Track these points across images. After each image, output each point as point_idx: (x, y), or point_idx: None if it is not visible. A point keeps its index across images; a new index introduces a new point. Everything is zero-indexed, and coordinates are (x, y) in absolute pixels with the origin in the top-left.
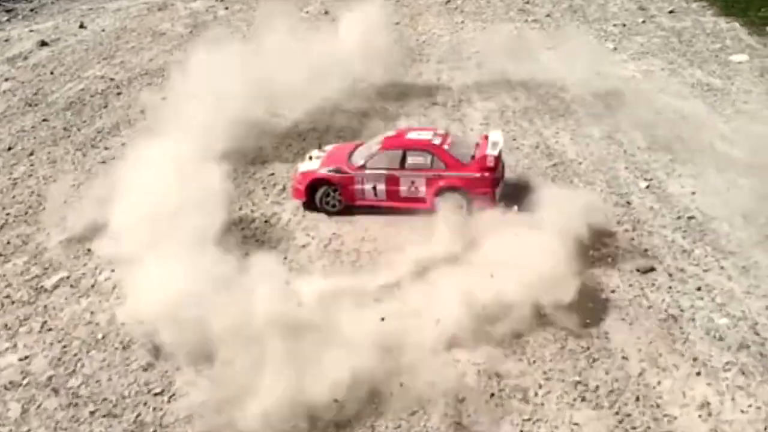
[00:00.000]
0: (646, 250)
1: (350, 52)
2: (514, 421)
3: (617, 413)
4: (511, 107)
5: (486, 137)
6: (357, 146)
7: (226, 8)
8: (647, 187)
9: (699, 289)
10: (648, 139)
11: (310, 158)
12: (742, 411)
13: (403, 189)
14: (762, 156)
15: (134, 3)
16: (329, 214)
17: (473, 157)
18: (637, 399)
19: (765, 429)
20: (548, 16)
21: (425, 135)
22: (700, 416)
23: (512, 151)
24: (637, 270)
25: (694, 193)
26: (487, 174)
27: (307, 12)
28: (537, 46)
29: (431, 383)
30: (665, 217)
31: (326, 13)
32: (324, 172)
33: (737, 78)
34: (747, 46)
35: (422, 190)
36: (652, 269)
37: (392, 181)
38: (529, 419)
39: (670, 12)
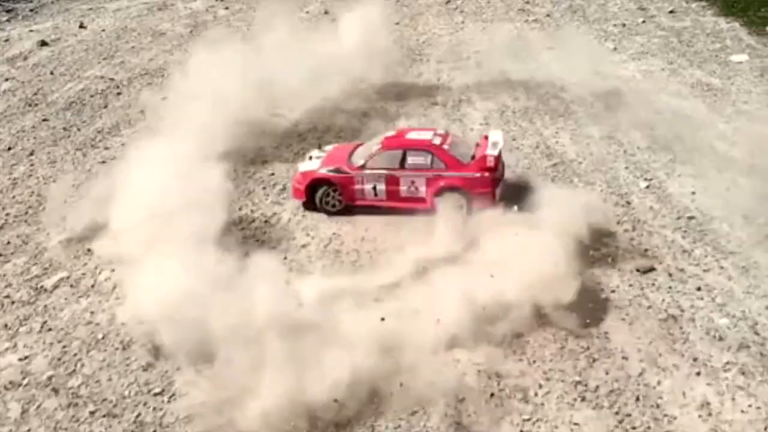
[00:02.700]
0: (646, 250)
1: (350, 53)
2: (514, 421)
3: (617, 413)
4: (510, 107)
5: (486, 137)
6: (357, 146)
7: (226, 8)
8: (647, 187)
9: (699, 289)
10: (648, 140)
11: (310, 158)
12: (742, 411)
13: (403, 189)
14: (762, 156)
15: (134, 3)
16: (329, 214)
17: (473, 157)
18: (637, 399)
19: (765, 429)
20: (548, 16)
21: (425, 135)
22: (700, 416)
23: (512, 151)
24: (637, 270)
25: (694, 193)
26: (486, 174)
27: (307, 12)
28: (537, 46)
29: (431, 383)
30: (665, 217)
31: (326, 12)
32: (324, 172)
33: (737, 78)
34: (747, 46)
35: (422, 189)
36: (652, 269)
37: (392, 181)
38: (529, 419)
39: (670, 12)
